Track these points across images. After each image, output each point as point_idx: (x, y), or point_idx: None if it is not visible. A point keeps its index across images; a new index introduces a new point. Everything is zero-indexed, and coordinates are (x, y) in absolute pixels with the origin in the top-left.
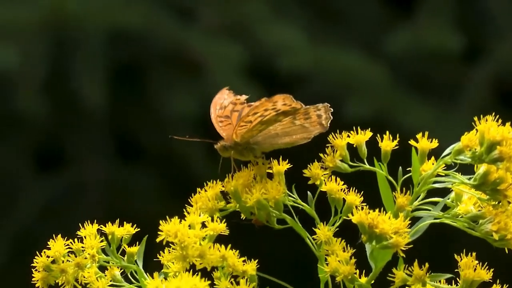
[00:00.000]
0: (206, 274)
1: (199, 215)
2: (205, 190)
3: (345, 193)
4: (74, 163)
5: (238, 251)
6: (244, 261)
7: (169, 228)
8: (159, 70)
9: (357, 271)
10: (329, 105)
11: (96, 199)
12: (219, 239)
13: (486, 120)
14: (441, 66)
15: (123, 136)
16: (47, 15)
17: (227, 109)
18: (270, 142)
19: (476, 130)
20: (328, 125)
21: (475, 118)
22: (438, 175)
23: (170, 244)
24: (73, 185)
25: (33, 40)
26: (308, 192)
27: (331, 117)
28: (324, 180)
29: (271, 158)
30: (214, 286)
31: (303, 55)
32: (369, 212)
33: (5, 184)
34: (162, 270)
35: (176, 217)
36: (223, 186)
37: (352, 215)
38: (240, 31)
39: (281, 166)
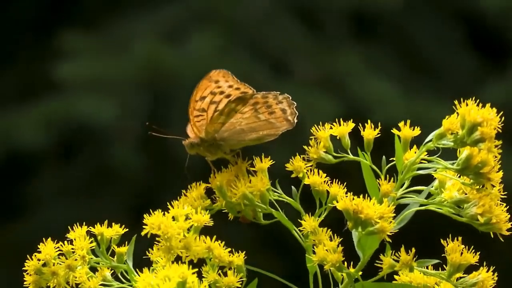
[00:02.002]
0: (195, 268)
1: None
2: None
3: (328, 185)
4: None
5: (224, 242)
6: (230, 251)
7: (152, 220)
8: None
9: (345, 261)
10: (290, 97)
11: None
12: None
13: (467, 104)
14: None
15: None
16: (143, 68)
17: (206, 100)
18: (237, 138)
19: (457, 113)
20: (295, 121)
21: (456, 102)
22: (421, 162)
23: (156, 238)
24: None
25: (130, 92)
26: (292, 187)
27: (297, 112)
28: (306, 173)
29: (254, 156)
30: (203, 279)
31: (397, 108)
32: (353, 199)
33: None
34: (151, 267)
35: (159, 210)
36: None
37: (337, 202)
38: (334, 84)
39: (263, 164)
